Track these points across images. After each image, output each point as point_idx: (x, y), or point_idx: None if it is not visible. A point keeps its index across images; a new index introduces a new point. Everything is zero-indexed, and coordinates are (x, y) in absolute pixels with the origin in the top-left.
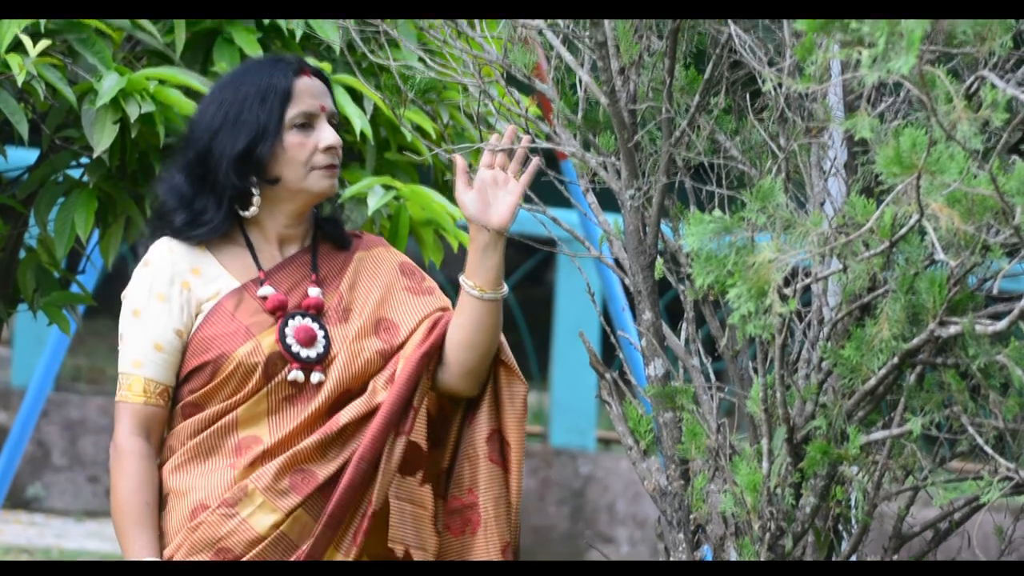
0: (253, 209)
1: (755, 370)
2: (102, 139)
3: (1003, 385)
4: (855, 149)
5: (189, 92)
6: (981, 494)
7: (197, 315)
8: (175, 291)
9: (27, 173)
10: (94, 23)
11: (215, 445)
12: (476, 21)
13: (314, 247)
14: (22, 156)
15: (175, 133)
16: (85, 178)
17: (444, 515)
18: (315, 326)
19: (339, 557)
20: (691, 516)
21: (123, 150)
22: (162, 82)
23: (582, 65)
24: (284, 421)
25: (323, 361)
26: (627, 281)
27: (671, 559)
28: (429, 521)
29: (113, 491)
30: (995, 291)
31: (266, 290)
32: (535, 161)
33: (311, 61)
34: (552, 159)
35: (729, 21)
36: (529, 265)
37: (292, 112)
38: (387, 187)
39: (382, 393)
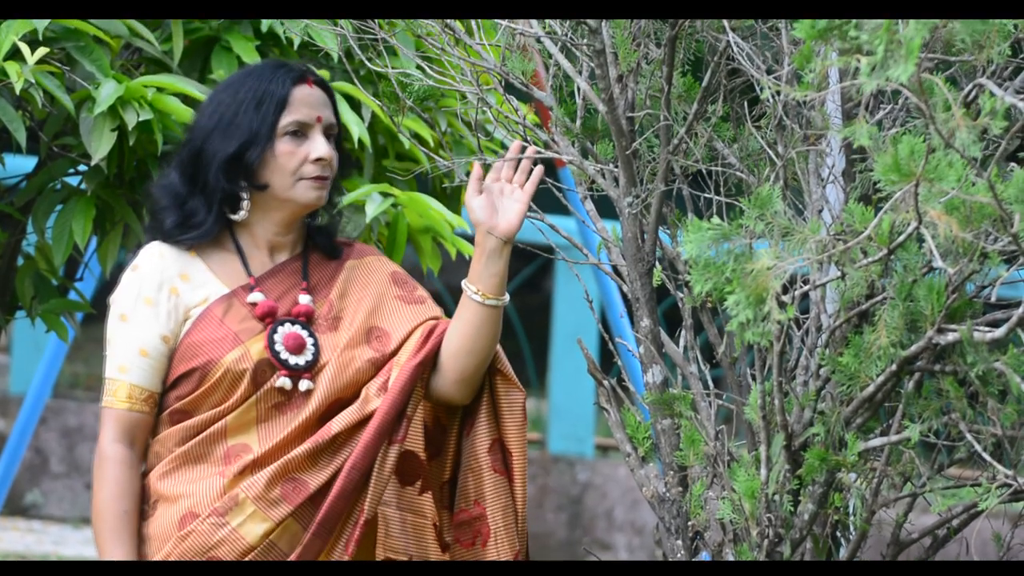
0: (242, 213)
1: (753, 377)
2: (100, 146)
3: (1001, 392)
4: (853, 157)
5: (187, 100)
6: (979, 501)
7: (185, 321)
8: (163, 296)
9: (25, 180)
10: (92, 30)
11: (204, 452)
12: (475, 29)
13: (305, 255)
14: (20, 164)
15: (173, 141)
16: (83, 185)
17: (452, 528)
18: (304, 333)
19: None
20: (689, 523)
21: (121, 157)
22: (160, 90)
23: (580, 73)
24: (274, 430)
25: (312, 369)
26: (625, 288)
27: None
28: (431, 530)
29: (94, 497)
30: (993, 298)
31: (256, 296)
32: (539, 169)
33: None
34: (550, 167)
35: (728, 29)
36: (527, 272)
37: (286, 120)
38: (385, 194)
39: (375, 401)
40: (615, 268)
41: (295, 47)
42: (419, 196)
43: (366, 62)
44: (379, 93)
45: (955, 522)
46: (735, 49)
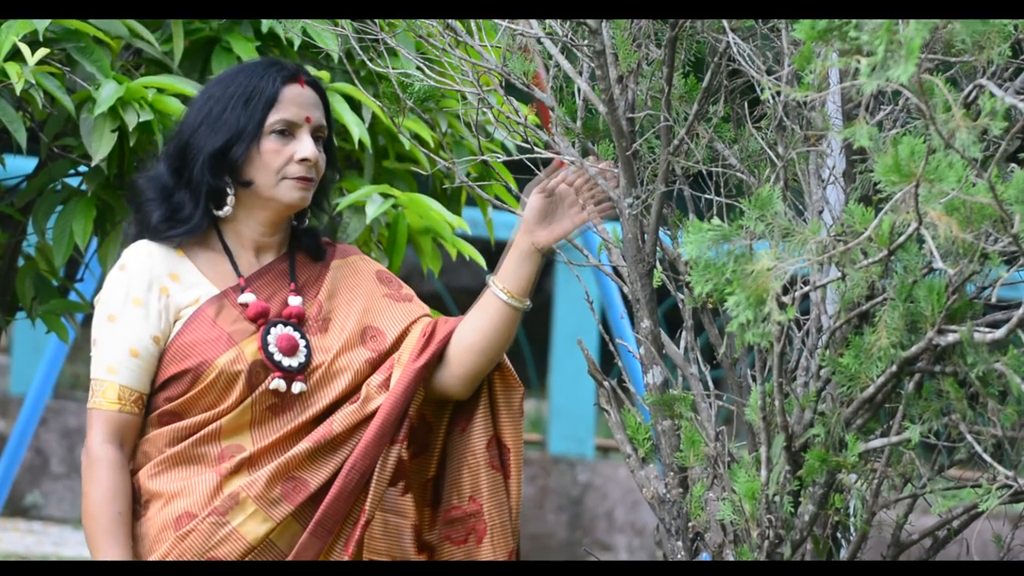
0: (227, 208)
1: (753, 378)
2: (100, 147)
3: (1001, 393)
4: (853, 157)
5: (187, 100)
6: (980, 502)
7: (176, 322)
8: (153, 296)
9: (25, 181)
10: (92, 31)
11: (198, 454)
12: (475, 30)
13: (291, 256)
14: (20, 164)
15: None
16: (83, 186)
17: (442, 525)
18: (296, 335)
19: None
20: (690, 524)
21: (121, 158)
22: (160, 90)
23: (580, 74)
24: (268, 431)
25: (304, 371)
26: (625, 289)
27: None
28: (410, 531)
29: (85, 500)
30: (993, 299)
31: (247, 297)
32: (607, 205)
33: (309, 70)
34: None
35: (728, 30)
36: None
37: (273, 118)
38: (385, 195)
39: (376, 400)
40: (615, 269)
41: (295, 48)
42: (419, 197)
43: (367, 63)
44: (379, 94)
45: (955, 523)
46: (735, 50)
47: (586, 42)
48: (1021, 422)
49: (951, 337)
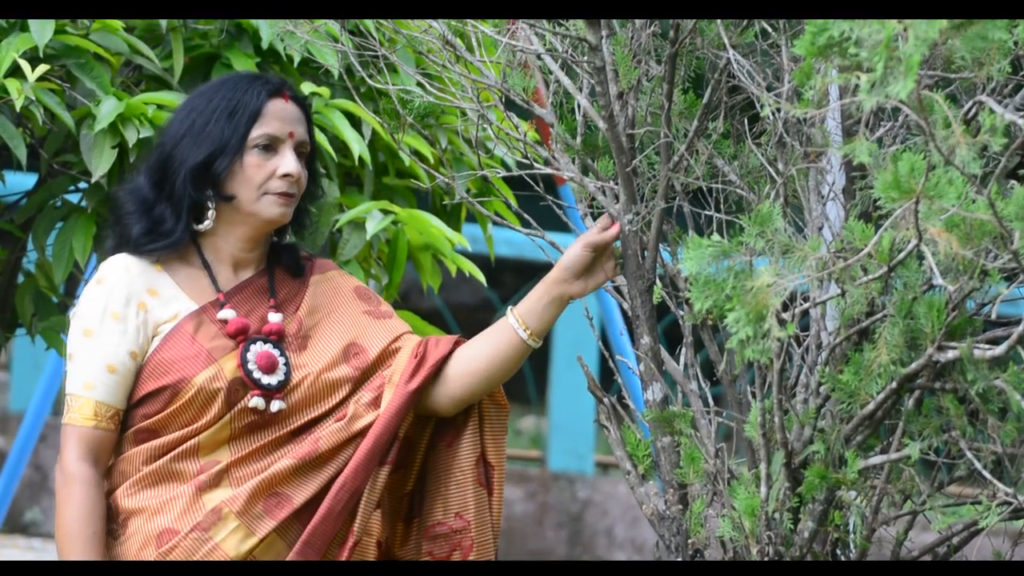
0: (207, 223)
1: (753, 395)
2: (100, 164)
3: (1001, 410)
4: (853, 174)
5: None
6: (979, 519)
7: (154, 337)
8: (131, 311)
9: (25, 198)
10: (92, 47)
11: (177, 470)
12: (475, 46)
13: (270, 271)
14: (20, 181)
15: None
16: (83, 203)
17: (424, 541)
18: (276, 352)
19: None
20: (689, 540)
21: (121, 175)
22: (160, 107)
23: (580, 90)
24: (245, 445)
25: (283, 389)
26: (625, 305)
27: None
28: (374, 548)
29: (59, 518)
30: (993, 316)
31: (227, 313)
32: (617, 268)
33: (309, 86)
34: (550, 184)
35: (728, 46)
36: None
37: (256, 132)
38: (385, 211)
39: (364, 418)
40: (615, 285)
41: (295, 64)
42: (419, 213)
43: (367, 79)
44: (379, 110)
45: (955, 540)
46: (735, 66)
47: (586, 58)
48: (1021, 439)
49: (951, 354)
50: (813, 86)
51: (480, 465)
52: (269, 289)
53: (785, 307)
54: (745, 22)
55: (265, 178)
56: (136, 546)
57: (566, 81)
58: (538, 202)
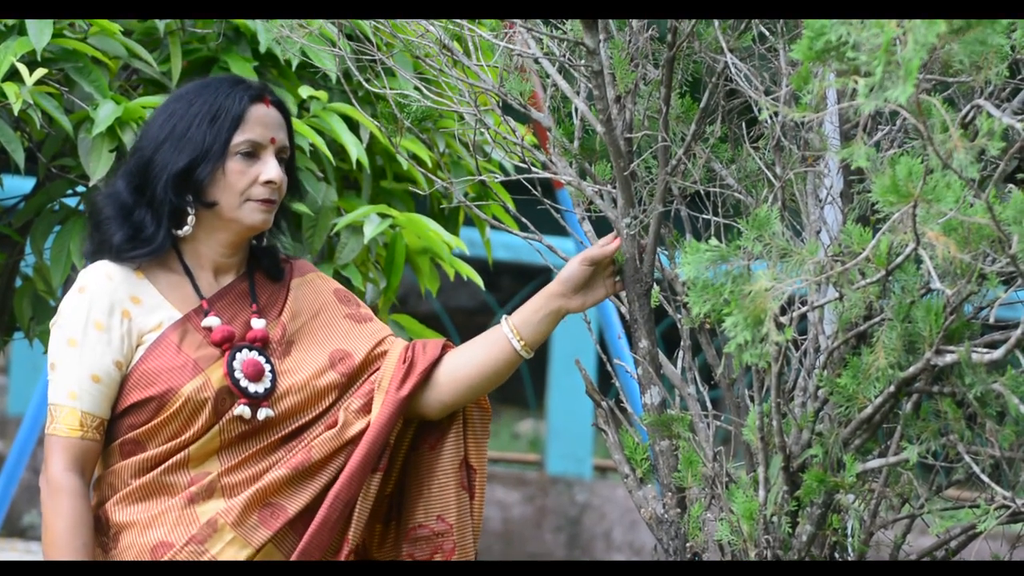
0: (187, 228)
1: (751, 398)
2: (98, 167)
3: (999, 413)
4: (851, 178)
5: None
6: (978, 522)
7: (138, 346)
8: (115, 320)
9: (23, 201)
10: (90, 51)
11: (167, 483)
12: (472, 50)
13: (250, 276)
14: (18, 184)
15: None
16: (81, 206)
17: (405, 543)
18: (262, 360)
19: None
20: (687, 544)
21: None
22: None
23: (578, 94)
24: (235, 455)
25: (270, 397)
26: (623, 309)
27: None
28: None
29: (47, 530)
30: (991, 320)
31: (211, 321)
32: (618, 285)
33: (307, 90)
34: (548, 187)
35: (726, 50)
36: (525, 293)
37: (239, 139)
38: (383, 215)
39: (355, 425)
40: None
41: (293, 68)
42: (417, 217)
43: (364, 83)
44: (377, 114)
45: (953, 544)
46: (733, 70)
47: (583, 62)
48: (1019, 442)
49: (949, 357)
50: (811, 90)
51: (463, 468)
52: (251, 294)
53: (783, 311)
54: (743, 26)
55: (247, 185)
56: (131, 558)
57: (563, 85)
58: (536, 206)
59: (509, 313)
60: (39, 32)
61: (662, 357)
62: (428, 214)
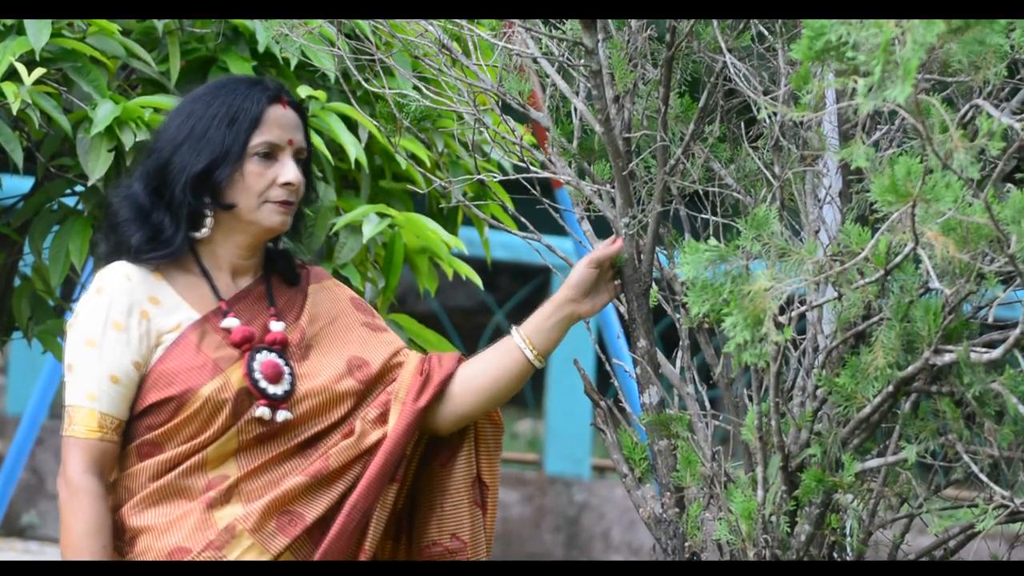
0: (204, 231)
1: (750, 398)
2: (97, 167)
3: (998, 413)
4: (850, 177)
5: None
6: (976, 522)
7: (157, 347)
8: (133, 321)
9: (22, 201)
10: (89, 51)
11: (184, 486)
12: (471, 49)
13: (267, 279)
14: (17, 184)
15: None
16: (80, 206)
17: (419, 560)
18: (281, 362)
19: None
20: (686, 544)
21: (118, 178)
22: (157, 110)
23: (577, 93)
24: (253, 459)
25: (288, 399)
26: (622, 309)
27: None
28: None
29: (66, 532)
30: (990, 319)
31: (231, 322)
32: (617, 288)
33: (305, 90)
34: (547, 187)
35: (724, 50)
36: (524, 293)
37: (257, 140)
38: (382, 215)
39: (372, 435)
40: None
41: (292, 68)
42: (416, 217)
43: (363, 82)
44: (376, 113)
45: (952, 543)
46: (732, 70)
47: (582, 62)
48: (1017, 442)
49: (948, 357)
50: (810, 90)
51: (475, 486)
52: (268, 297)
53: (782, 311)
54: (742, 25)
55: (266, 186)
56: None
57: (562, 85)
58: (534, 206)
59: (509, 313)
60: (38, 32)
61: (661, 357)
62: (427, 214)
